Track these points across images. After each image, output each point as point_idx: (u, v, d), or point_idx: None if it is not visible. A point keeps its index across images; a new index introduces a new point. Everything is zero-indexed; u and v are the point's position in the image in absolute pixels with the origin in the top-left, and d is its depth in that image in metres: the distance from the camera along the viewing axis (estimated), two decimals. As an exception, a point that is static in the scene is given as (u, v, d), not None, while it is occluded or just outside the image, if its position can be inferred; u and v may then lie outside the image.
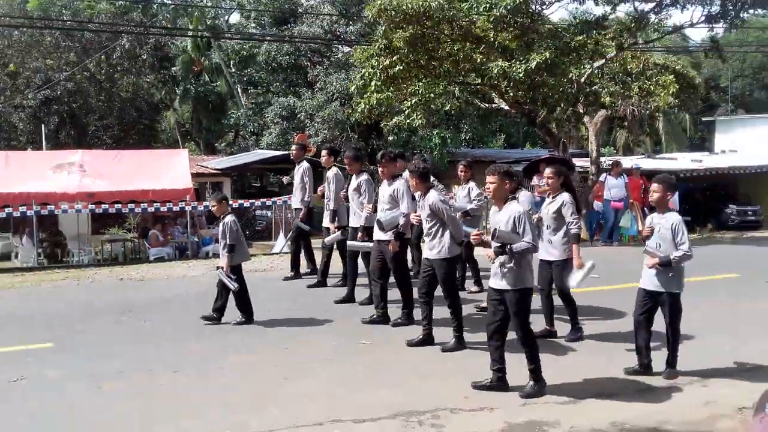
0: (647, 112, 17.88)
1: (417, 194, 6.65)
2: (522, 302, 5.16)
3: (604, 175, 15.03)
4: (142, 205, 14.81)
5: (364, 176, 8.33)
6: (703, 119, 35.18)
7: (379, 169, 7.48)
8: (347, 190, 8.57)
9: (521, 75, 12.92)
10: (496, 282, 5.25)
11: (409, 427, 4.67)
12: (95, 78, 29.63)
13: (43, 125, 23.51)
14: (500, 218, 5.25)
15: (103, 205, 14.49)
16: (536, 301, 7.19)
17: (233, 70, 30.46)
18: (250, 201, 17.64)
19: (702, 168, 19.79)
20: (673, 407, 5.05)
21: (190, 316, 7.71)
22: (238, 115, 28.37)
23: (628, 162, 18.12)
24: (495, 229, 5.17)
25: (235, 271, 7.43)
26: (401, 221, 7.07)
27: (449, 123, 22.59)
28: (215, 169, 21.22)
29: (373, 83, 14.14)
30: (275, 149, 22.94)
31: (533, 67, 12.83)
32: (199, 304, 8.11)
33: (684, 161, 21.21)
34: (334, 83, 22.57)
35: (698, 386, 5.48)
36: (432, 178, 9.05)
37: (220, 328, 7.41)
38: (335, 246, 9.27)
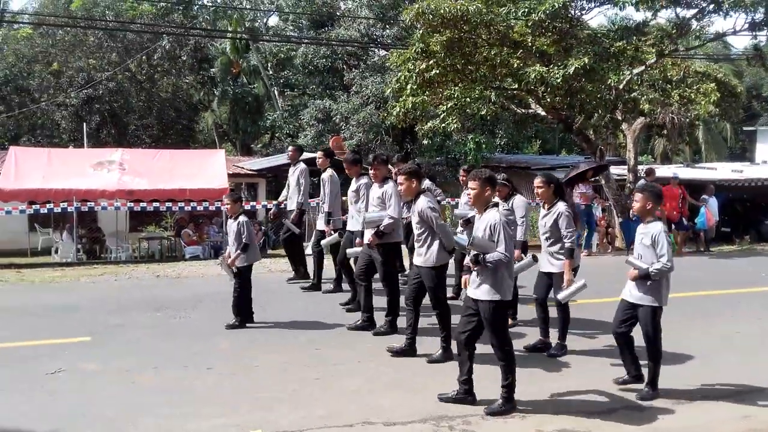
0: (687, 120, 17.59)
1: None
2: (496, 314, 4.97)
3: (641, 182, 14.82)
4: (179, 204, 15.05)
5: (364, 179, 8.15)
6: (745, 129, 34.47)
7: (371, 171, 7.40)
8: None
9: (559, 80, 12.80)
10: (472, 291, 5.10)
11: (439, 432, 4.64)
12: (136, 78, 30.25)
13: (84, 123, 24.02)
14: (479, 225, 5.09)
15: (141, 203, 14.75)
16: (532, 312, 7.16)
17: (270, 72, 30.77)
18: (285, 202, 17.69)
19: (742, 178, 19.37)
20: (711, 420, 4.94)
21: (224, 314, 7.77)
22: (275, 116, 28.64)
23: (666, 171, 17.82)
24: (473, 236, 5.02)
25: (246, 272, 7.52)
26: (385, 222, 6.96)
27: (484, 128, 22.50)
28: (251, 170, 21.43)
29: (408, 87, 14.16)
30: (310, 151, 23.07)
31: (571, 72, 12.71)
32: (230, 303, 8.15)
33: (724, 171, 20.76)
34: (370, 86, 22.63)
35: (735, 399, 5.35)
36: (429, 182, 9.01)
37: (253, 327, 7.48)
38: (329, 250, 9.20)
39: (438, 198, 9.01)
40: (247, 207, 17.15)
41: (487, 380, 5.18)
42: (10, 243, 16.47)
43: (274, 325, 7.59)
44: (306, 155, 14.08)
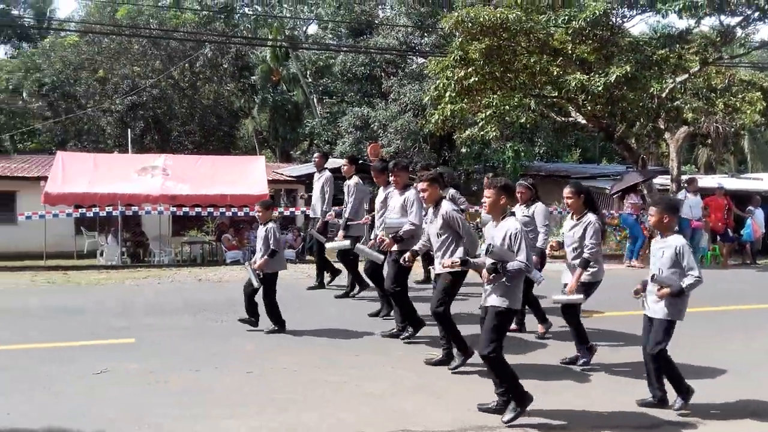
0: (732, 129, 17.27)
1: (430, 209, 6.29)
2: (499, 319, 4.92)
3: (682, 192, 14.59)
4: (220, 209, 15.31)
5: (392, 188, 8.00)
6: (792, 138, 33.55)
7: (392, 179, 7.40)
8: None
9: (600, 88, 12.71)
10: (485, 299, 5.06)
11: (477, 441, 4.63)
12: (179, 85, 30.84)
13: (129, 129, 24.53)
14: (496, 234, 5.03)
15: (183, 208, 15.05)
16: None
17: (309, 80, 31.12)
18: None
19: (790, 189, 18.88)
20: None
21: (263, 319, 7.86)
22: (313, 124, 28.94)
23: (711, 181, 17.49)
24: (489, 244, 4.91)
25: (271, 279, 7.57)
26: (405, 228, 6.96)
27: (523, 136, 22.38)
28: (290, 177, 21.65)
29: (447, 94, 14.19)
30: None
31: (612, 80, 12.61)
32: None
33: (770, 181, 20.28)
34: (408, 94, 22.71)
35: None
36: (453, 191, 8.99)
37: (291, 331, 7.56)
38: (337, 254, 9.35)
39: (462, 206, 8.98)
40: (287, 213, 17.39)
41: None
42: (57, 246, 16.90)
43: (309, 330, 7.66)
44: (336, 162, 14.23)
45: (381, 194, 8.29)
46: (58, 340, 7.19)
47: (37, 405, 5.25)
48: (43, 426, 4.80)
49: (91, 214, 15.15)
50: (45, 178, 16.19)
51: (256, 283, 7.46)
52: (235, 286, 10.80)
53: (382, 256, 7.61)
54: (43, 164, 21.12)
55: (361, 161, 12.10)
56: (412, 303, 7.27)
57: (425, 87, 20.08)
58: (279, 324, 7.63)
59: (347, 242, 8.78)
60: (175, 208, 15.16)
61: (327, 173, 10.13)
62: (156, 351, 6.80)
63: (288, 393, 5.54)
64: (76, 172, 15.69)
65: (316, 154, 10.73)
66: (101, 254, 16.75)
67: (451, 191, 8.97)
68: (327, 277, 10.40)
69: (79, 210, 15.01)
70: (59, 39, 31.28)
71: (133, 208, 15.01)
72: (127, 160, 18.13)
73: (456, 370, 6.12)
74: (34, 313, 8.56)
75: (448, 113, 14.31)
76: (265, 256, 7.49)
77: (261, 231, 7.67)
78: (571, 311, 6.30)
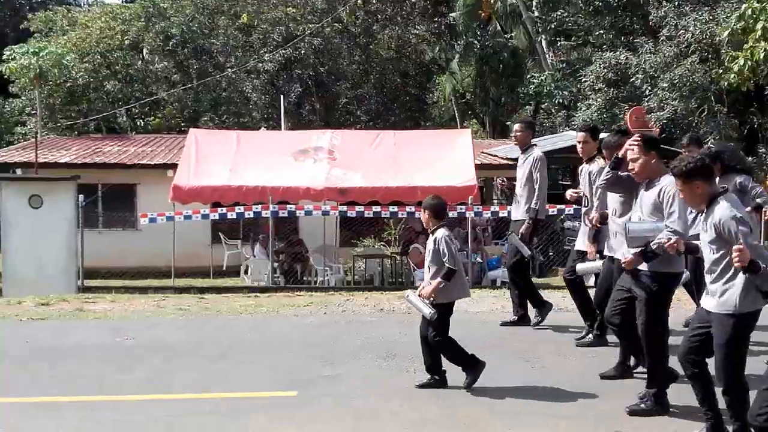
0: None
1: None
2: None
3: None
4: (407, 208, 15.59)
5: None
6: None
7: (633, 164, 6.97)
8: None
9: None
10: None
11: None
12: (348, 31, 32.09)
13: (282, 96, 25.84)
14: None
15: (356, 207, 15.52)
16: None
17: (536, 13, 31.05)
18: (557, 207, 17.20)
19: None
20: None
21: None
22: (541, 79, 28.80)
23: None
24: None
25: (445, 311, 7.51)
26: (661, 238, 6.48)
27: None
28: (506, 159, 21.58)
29: (759, 26, 13.53)
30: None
31: None
32: (482, 347, 8.27)
33: None
34: (691, 28, 21.98)
35: None
36: (743, 177, 8.60)
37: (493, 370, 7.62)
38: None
39: (758, 200, 8.50)
40: (503, 213, 17.39)
41: None
42: (190, 258, 18.04)
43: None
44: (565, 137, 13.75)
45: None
46: (201, 391, 7.72)
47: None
48: None
49: (234, 216, 16.08)
50: (173, 167, 17.56)
51: (428, 312, 7.40)
52: (430, 319, 11.01)
53: (599, 263, 7.84)
54: (169, 146, 23.04)
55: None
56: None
57: (720, 16, 19.24)
58: (470, 366, 7.64)
59: (599, 263, 8.63)
60: (345, 207, 15.70)
61: (536, 152, 10.02)
62: (323, 411, 7.09)
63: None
64: (214, 158, 16.80)
65: (516, 125, 10.57)
66: (246, 271, 17.83)
67: (739, 179, 8.56)
68: (532, 310, 10.25)
69: (218, 210, 16.00)
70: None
71: (288, 206, 15.71)
72: (280, 139, 19.16)
73: None
74: (162, 356, 9.22)
75: (761, 57, 13.63)
76: (438, 278, 7.48)
77: (429, 243, 7.68)
78: None
